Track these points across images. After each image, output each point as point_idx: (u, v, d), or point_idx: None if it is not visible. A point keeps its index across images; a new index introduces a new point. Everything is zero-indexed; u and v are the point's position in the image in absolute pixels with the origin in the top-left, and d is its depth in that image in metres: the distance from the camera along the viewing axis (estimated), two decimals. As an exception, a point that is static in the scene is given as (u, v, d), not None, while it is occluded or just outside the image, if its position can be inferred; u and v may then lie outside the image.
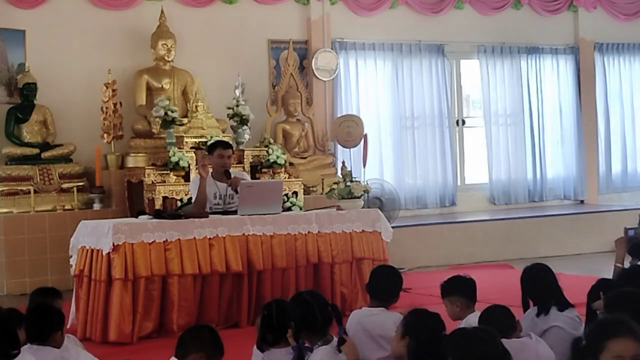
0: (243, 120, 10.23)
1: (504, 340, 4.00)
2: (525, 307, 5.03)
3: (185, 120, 10.11)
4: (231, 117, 10.27)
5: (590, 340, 2.97)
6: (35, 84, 10.17)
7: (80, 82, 10.49)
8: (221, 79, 10.87)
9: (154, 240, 6.76)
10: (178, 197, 9.20)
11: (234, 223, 7.09)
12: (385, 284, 5.01)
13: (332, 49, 12.00)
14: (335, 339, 4.07)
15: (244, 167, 9.67)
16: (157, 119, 9.84)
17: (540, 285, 4.90)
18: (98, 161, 10.04)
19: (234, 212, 7.27)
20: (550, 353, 4.19)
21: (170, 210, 8.32)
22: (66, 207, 9.78)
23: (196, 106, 9.99)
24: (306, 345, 4.09)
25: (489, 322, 4.20)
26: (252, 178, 8.97)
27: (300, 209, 9.42)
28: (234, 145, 9.38)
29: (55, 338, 4.30)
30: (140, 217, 7.30)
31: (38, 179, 9.90)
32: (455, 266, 9.62)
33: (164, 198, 9.21)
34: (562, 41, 13.71)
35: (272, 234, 7.19)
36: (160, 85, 10.76)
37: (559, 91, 13.67)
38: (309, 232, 7.37)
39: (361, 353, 4.29)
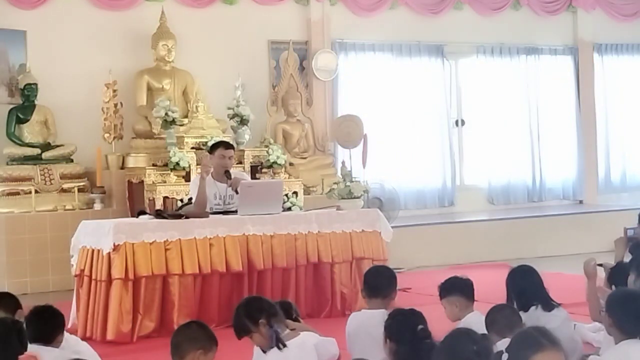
0: (243, 121, 10.26)
1: (504, 341, 4.04)
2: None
3: (185, 121, 10.15)
4: (231, 117, 10.29)
5: (514, 354, 3.01)
6: (36, 84, 10.19)
7: (81, 83, 10.50)
8: (221, 79, 10.87)
9: (155, 240, 6.76)
10: (178, 197, 9.21)
11: (234, 223, 7.11)
12: (379, 281, 5.01)
13: (331, 49, 12.02)
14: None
15: (244, 168, 9.69)
16: (158, 119, 9.87)
17: (525, 286, 4.95)
18: (99, 161, 10.07)
19: (234, 212, 7.28)
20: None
21: (171, 210, 8.34)
22: (67, 207, 9.80)
23: (196, 106, 10.02)
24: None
25: (496, 321, 4.23)
26: (252, 178, 8.98)
27: (300, 209, 9.42)
28: (234, 146, 9.41)
29: (59, 339, 4.34)
30: (140, 217, 7.33)
31: (39, 179, 9.92)
32: (455, 266, 9.62)
33: (165, 198, 9.23)
34: (561, 41, 13.73)
35: (272, 234, 7.20)
36: (160, 86, 10.78)
37: (558, 92, 13.69)
38: (309, 232, 7.37)
39: (363, 355, 4.30)
